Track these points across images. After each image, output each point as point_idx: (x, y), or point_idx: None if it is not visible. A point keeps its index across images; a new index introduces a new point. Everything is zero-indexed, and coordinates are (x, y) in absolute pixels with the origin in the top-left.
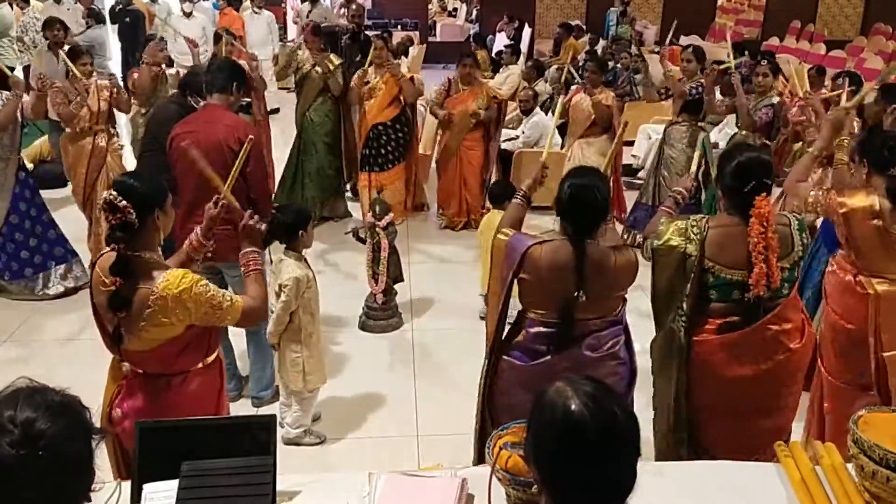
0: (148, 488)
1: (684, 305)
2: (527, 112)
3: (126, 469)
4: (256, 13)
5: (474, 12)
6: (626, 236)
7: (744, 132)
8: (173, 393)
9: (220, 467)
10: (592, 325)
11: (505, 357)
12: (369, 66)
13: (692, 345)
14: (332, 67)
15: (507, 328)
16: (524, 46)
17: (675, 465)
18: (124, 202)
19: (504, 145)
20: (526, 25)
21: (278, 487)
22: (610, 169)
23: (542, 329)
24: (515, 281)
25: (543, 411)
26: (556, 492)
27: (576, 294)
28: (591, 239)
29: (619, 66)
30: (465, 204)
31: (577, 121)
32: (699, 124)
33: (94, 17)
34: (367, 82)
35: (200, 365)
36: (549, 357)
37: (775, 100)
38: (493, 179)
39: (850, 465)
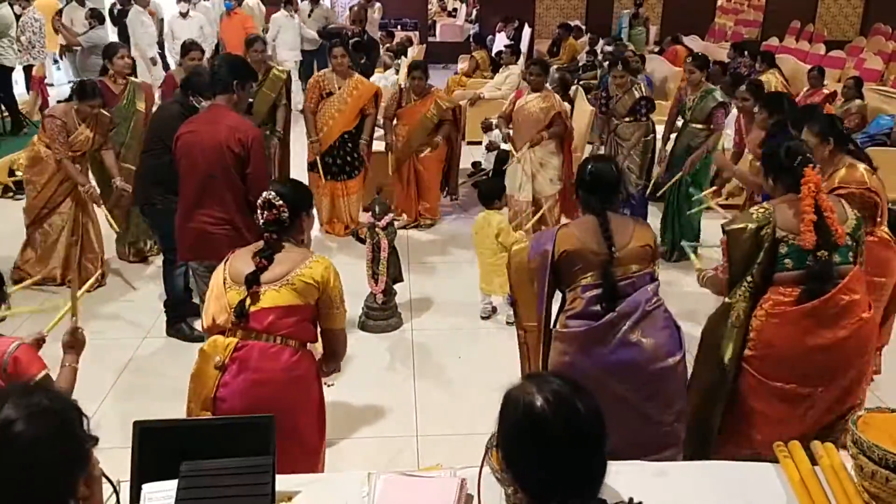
0: (147, 488)
1: (754, 275)
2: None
3: None
4: (292, 17)
5: (474, 13)
6: None
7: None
8: (282, 369)
9: (220, 467)
10: (636, 280)
11: (565, 330)
12: (331, 72)
13: (767, 317)
14: (282, 76)
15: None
16: (524, 47)
17: (675, 465)
18: (280, 202)
19: (504, 146)
20: (526, 26)
21: (278, 487)
22: (563, 172)
23: (594, 291)
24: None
25: (508, 409)
26: (528, 488)
27: (610, 250)
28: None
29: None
30: (417, 206)
31: (522, 124)
32: (643, 120)
33: (97, 17)
34: (330, 93)
35: (309, 346)
36: (610, 315)
37: (718, 94)
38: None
39: (849, 466)
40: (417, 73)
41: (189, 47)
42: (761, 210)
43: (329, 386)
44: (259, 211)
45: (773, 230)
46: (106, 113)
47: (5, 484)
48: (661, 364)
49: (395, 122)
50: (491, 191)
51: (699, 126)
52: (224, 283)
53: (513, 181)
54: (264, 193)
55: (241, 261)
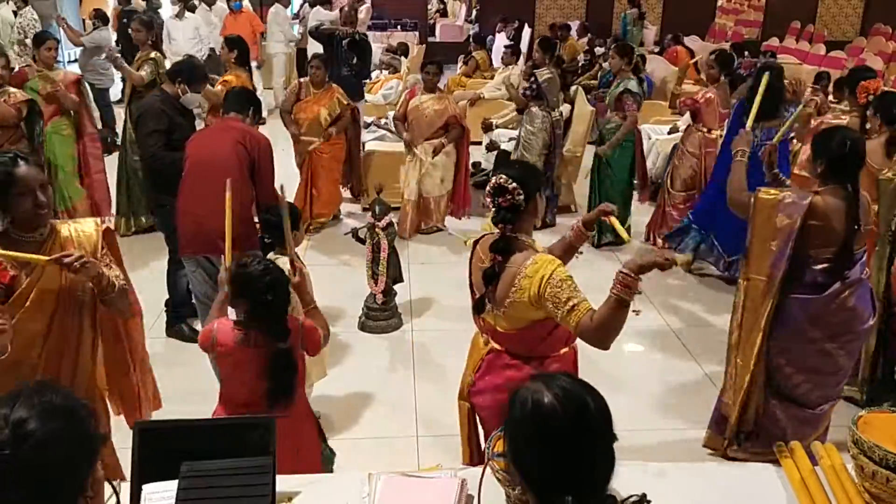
0: (147, 489)
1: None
2: (523, 112)
3: (475, 438)
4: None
5: (474, 13)
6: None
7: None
8: (524, 378)
9: (220, 468)
10: (857, 255)
11: (792, 296)
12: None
13: None
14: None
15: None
16: (524, 47)
17: (675, 465)
18: (514, 184)
19: (504, 146)
20: (525, 26)
21: (278, 488)
22: (458, 171)
23: (825, 265)
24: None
25: (515, 408)
26: (537, 488)
27: (856, 227)
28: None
29: None
30: (310, 207)
31: (418, 123)
32: (548, 107)
33: (100, 18)
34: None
35: (561, 352)
36: (836, 286)
37: (631, 84)
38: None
39: (850, 466)
40: (316, 62)
41: (43, 37)
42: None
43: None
44: (490, 199)
45: None
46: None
47: (17, 482)
48: (865, 325)
49: (293, 114)
50: None
51: (612, 115)
52: (473, 288)
53: (406, 181)
54: (493, 178)
55: (475, 266)
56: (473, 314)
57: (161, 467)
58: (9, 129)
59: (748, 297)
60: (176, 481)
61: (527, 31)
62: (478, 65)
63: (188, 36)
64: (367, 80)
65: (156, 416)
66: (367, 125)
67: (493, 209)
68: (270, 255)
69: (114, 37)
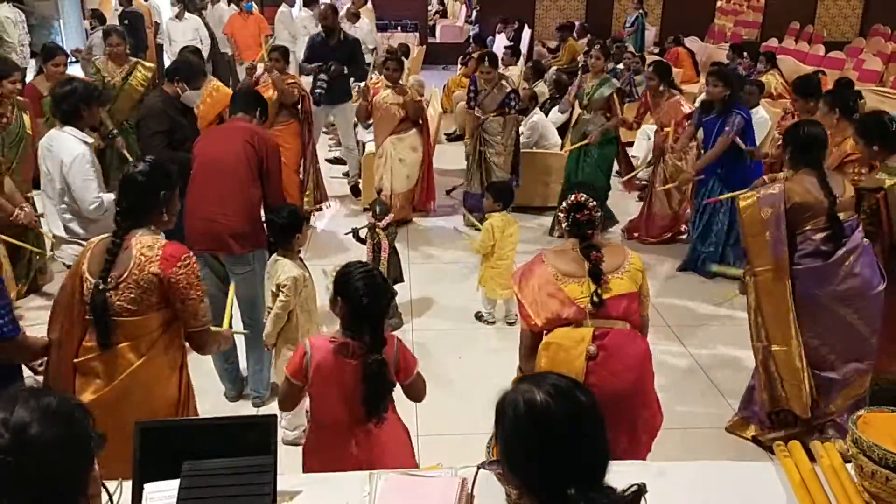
0: (149, 488)
1: None
2: (524, 112)
3: None
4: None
5: (474, 14)
6: (465, 216)
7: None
8: (642, 352)
9: (221, 467)
10: (852, 223)
11: (800, 267)
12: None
13: None
14: (145, 75)
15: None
16: (524, 47)
17: (675, 465)
18: (593, 203)
19: None
20: (525, 26)
21: (278, 487)
22: (423, 164)
23: (822, 234)
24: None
25: (507, 411)
26: (536, 487)
27: (832, 199)
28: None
29: (619, 66)
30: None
31: (382, 118)
32: (512, 115)
33: (98, 18)
34: None
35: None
36: (840, 252)
37: (615, 81)
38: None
39: (849, 465)
40: (275, 54)
41: (53, 51)
42: (888, 168)
43: None
44: (565, 215)
45: None
46: None
47: (20, 486)
48: (874, 291)
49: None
50: (505, 191)
51: (595, 114)
52: (556, 279)
53: (379, 178)
54: (571, 196)
55: (562, 258)
56: (555, 318)
57: (162, 466)
58: None
59: (761, 290)
60: (177, 480)
61: (527, 32)
62: (478, 66)
63: (188, 37)
64: (364, 82)
65: None
66: (368, 125)
67: (568, 223)
68: (274, 257)
69: None
